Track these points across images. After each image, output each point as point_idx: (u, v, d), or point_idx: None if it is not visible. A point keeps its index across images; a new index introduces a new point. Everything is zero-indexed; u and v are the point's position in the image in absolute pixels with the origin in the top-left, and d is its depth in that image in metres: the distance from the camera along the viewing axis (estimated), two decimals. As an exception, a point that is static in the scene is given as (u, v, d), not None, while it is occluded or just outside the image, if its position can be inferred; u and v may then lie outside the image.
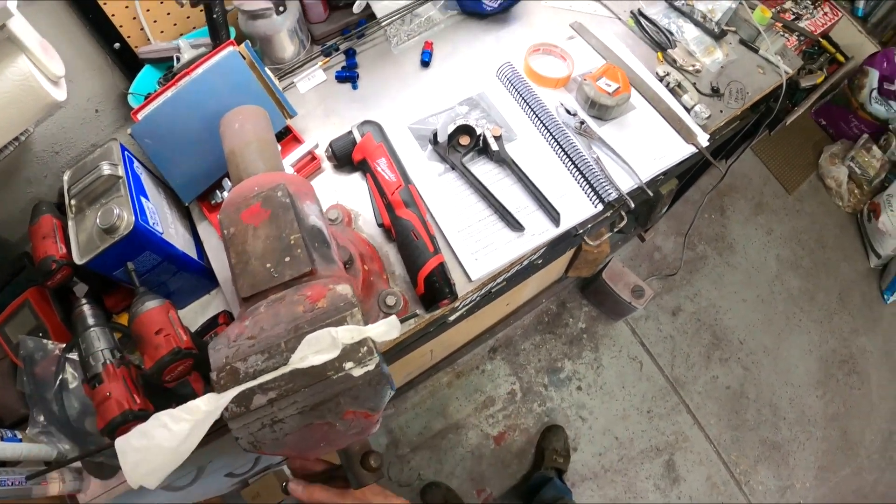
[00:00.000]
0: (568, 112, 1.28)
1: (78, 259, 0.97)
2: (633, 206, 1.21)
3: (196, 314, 1.18)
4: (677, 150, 1.31)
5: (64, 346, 1.05)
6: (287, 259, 0.70)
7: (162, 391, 1.00)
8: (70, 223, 1.02)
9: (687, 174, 2.13)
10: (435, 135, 1.19)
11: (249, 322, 0.66)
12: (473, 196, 1.17)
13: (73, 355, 1.03)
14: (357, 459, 0.74)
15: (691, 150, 1.32)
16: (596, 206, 1.19)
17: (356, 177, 1.22)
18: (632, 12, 1.56)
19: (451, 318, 1.21)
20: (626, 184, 1.23)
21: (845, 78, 2.98)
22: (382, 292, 1.01)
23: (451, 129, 1.17)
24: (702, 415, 2.53)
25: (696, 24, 1.55)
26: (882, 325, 2.83)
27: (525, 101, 1.29)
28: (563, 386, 2.53)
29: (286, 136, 1.23)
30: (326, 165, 1.23)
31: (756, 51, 1.56)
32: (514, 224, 1.12)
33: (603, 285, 2.39)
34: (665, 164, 1.29)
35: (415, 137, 1.24)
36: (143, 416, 0.90)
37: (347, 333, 0.62)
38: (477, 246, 1.12)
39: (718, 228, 2.97)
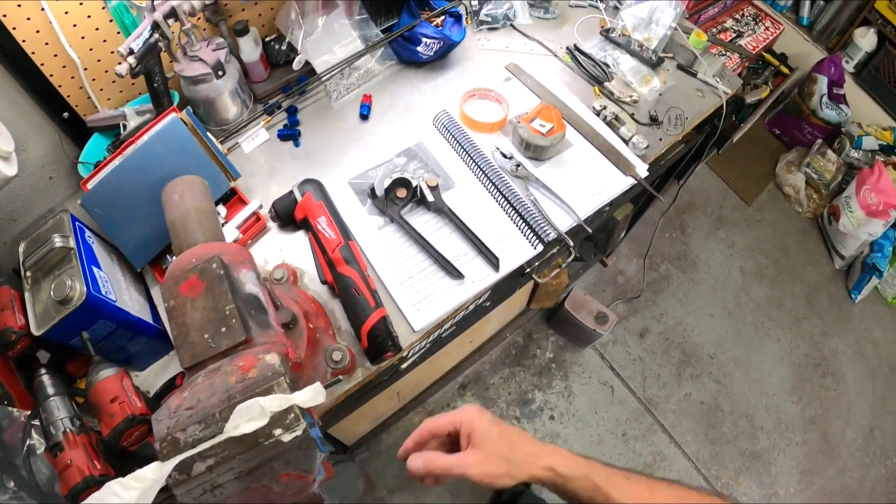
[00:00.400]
0: (504, 155, 1.34)
1: (35, 330, 1.02)
2: (571, 244, 1.27)
3: (156, 375, 1.23)
4: (616, 184, 1.37)
5: (29, 413, 1.08)
6: (223, 329, 0.75)
7: (124, 454, 1.04)
8: (27, 295, 1.06)
9: (641, 197, 2.20)
10: (373, 189, 1.25)
11: (188, 393, 0.72)
12: (413, 248, 1.22)
13: (38, 421, 1.06)
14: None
15: (630, 182, 1.38)
16: (536, 248, 1.25)
17: (301, 234, 1.26)
18: (567, 48, 1.62)
19: (403, 366, 1.26)
20: (565, 222, 1.29)
21: (794, 87, 3.09)
22: (329, 348, 1.05)
23: (387, 183, 1.23)
24: (678, 433, 2.55)
25: (633, 54, 1.62)
26: (852, 324, 2.91)
27: (462, 147, 1.35)
28: (535, 417, 2.54)
29: (232, 198, 1.28)
30: (272, 225, 1.28)
31: (694, 75, 1.63)
32: (454, 272, 1.18)
33: (566, 315, 2.41)
34: (604, 199, 1.35)
35: (355, 192, 1.30)
36: (103, 481, 0.91)
37: (275, 402, 0.67)
38: (418, 297, 1.17)
39: (680, 246, 3.02)
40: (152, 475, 0.70)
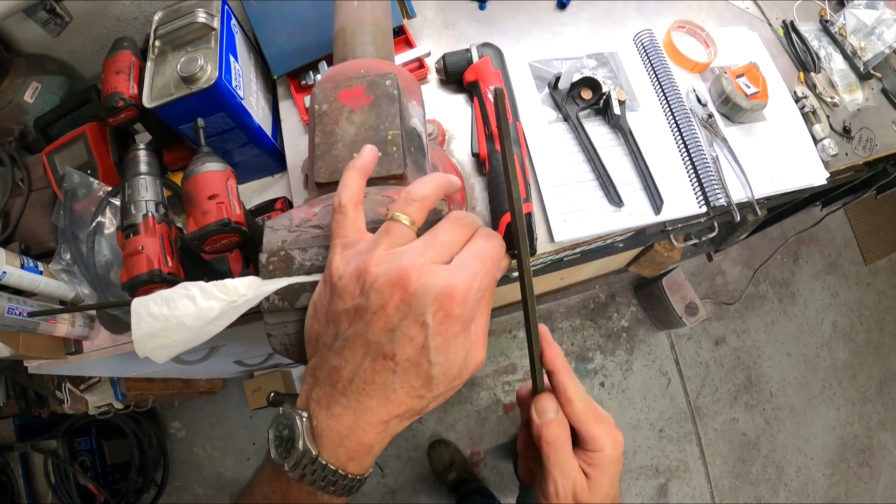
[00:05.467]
0: (699, 101, 1.14)
1: (147, 102, 0.89)
2: (738, 218, 1.08)
3: (253, 193, 1.10)
4: (799, 177, 1.17)
5: (110, 189, 0.97)
6: (379, 154, 0.60)
7: (196, 261, 0.92)
8: (149, 64, 0.93)
9: (777, 209, 1.98)
10: (557, 79, 1.06)
11: (320, 209, 0.56)
12: (579, 155, 1.04)
13: (117, 200, 0.96)
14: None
15: (812, 181, 1.18)
16: (700, 207, 1.07)
17: (460, 98, 1.10)
18: (784, 22, 1.40)
19: (513, 275, 1.11)
20: (736, 194, 1.10)
21: None
22: (458, 223, 0.90)
23: (576, 77, 1.04)
24: (710, 452, 2.42)
25: (845, 56, 1.40)
26: (912, 429, 2.67)
27: (656, 75, 1.15)
28: (587, 377, 2.43)
29: (398, 37, 1.11)
30: (432, 77, 1.11)
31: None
32: (615, 197, 1.00)
33: (659, 291, 2.27)
34: (781, 187, 1.15)
35: (533, 76, 1.11)
36: (171, 281, 0.84)
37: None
38: (569, 207, 1.00)
39: (787, 274, 2.79)
40: (244, 290, 0.54)
